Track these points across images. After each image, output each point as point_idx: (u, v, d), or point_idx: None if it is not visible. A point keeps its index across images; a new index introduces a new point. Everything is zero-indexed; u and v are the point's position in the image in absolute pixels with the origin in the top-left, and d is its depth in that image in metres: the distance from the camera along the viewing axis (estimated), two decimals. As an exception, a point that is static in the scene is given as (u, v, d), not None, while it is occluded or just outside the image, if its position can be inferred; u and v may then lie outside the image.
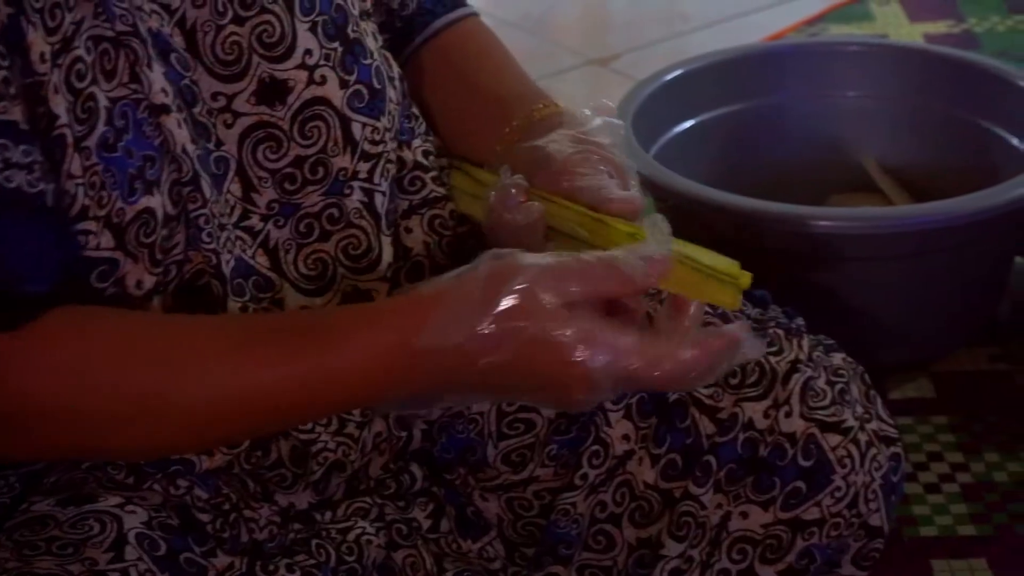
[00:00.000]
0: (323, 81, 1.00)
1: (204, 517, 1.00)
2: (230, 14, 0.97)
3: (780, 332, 1.11)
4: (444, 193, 1.10)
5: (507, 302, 0.88)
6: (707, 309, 1.05)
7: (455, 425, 1.10)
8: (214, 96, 0.98)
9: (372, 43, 1.05)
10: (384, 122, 1.04)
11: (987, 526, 1.50)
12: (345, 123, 1.01)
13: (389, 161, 1.05)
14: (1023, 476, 1.57)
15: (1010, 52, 2.43)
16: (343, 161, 1.02)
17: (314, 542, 1.05)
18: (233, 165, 0.99)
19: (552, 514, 1.10)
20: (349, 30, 1.02)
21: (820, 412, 1.07)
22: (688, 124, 1.86)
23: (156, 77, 0.93)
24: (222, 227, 0.98)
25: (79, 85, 0.90)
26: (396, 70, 1.08)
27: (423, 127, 1.12)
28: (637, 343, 0.90)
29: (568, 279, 0.89)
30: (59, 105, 0.89)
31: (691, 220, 1.54)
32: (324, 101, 1.00)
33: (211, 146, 0.98)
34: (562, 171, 1.02)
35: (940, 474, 1.58)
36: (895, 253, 1.61)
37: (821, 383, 1.09)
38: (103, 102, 0.91)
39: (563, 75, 2.52)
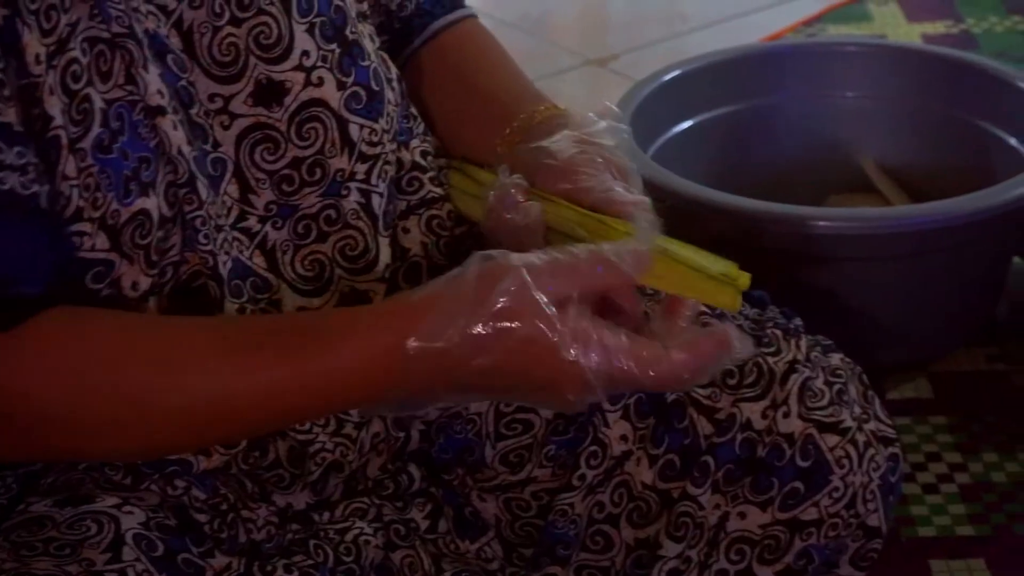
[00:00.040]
0: (320, 83, 1.00)
1: (202, 517, 1.00)
2: (227, 15, 0.97)
3: (778, 332, 1.11)
4: (442, 193, 1.10)
5: (498, 302, 0.89)
6: (705, 309, 1.06)
7: (453, 426, 1.10)
8: (211, 97, 0.98)
9: (370, 45, 1.05)
10: (382, 124, 1.04)
11: (985, 526, 1.51)
12: (342, 125, 1.01)
13: (387, 163, 1.05)
14: (1021, 476, 1.57)
15: (1008, 52, 2.43)
16: (340, 162, 1.02)
17: (312, 542, 1.05)
18: (230, 166, 0.99)
19: (550, 515, 1.10)
20: (347, 32, 1.02)
21: (818, 412, 1.07)
22: (686, 124, 1.86)
23: (152, 79, 0.93)
24: (219, 228, 0.98)
25: (74, 87, 0.90)
26: (394, 71, 1.08)
27: (421, 127, 1.12)
28: (630, 343, 0.90)
29: (558, 275, 0.90)
30: (54, 107, 0.89)
31: (690, 221, 1.54)
32: (321, 103, 1.00)
33: (208, 147, 0.98)
34: (565, 171, 1.02)
35: (938, 474, 1.58)
36: (893, 253, 1.61)
37: (819, 383, 1.09)
38: (98, 103, 0.91)
39: (562, 75, 2.52)
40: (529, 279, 0.89)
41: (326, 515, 1.06)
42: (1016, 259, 1.78)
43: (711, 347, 0.92)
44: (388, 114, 1.05)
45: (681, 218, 1.51)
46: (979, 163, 1.80)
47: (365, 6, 1.08)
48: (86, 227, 0.91)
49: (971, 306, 1.74)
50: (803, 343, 1.11)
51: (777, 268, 1.55)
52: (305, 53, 1.00)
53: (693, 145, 1.85)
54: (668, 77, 1.85)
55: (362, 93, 1.02)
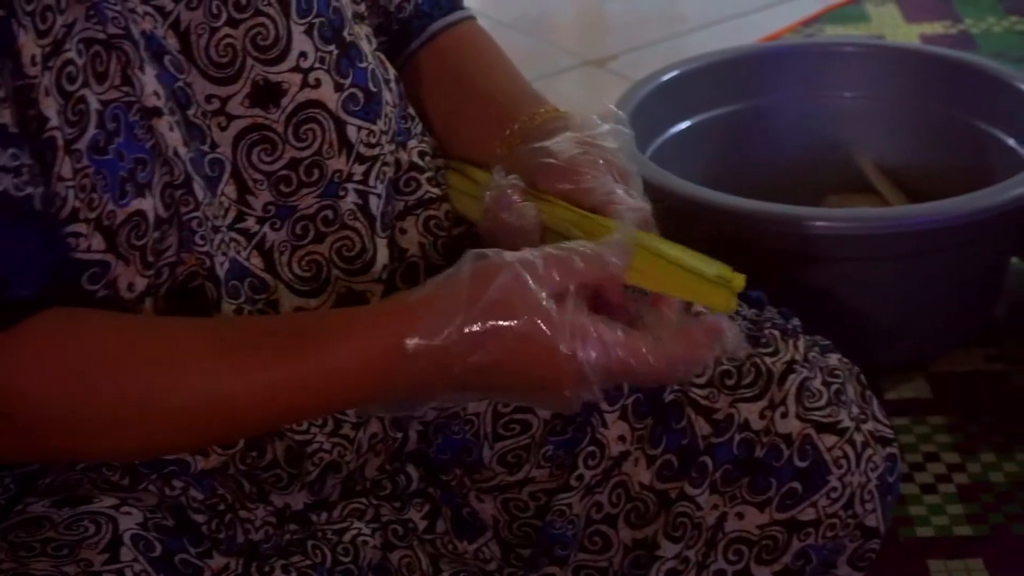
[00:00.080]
0: (317, 84, 1.00)
1: (199, 518, 1.00)
2: (224, 16, 0.97)
3: (776, 333, 1.11)
4: (439, 194, 1.10)
5: (496, 299, 0.89)
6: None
7: (451, 426, 1.10)
8: (208, 99, 0.98)
9: (367, 46, 1.05)
10: (380, 125, 1.04)
11: (983, 526, 1.51)
12: (340, 126, 1.01)
13: (386, 164, 1.05)
14: (1019, 476, 1.57)
15: (1006, 53, 2.43)
16: (338, 163, 1.02)
17: (310, 543, 1.05)
18: (228, 167, 0.99)
19: (548, 515, 1.10)
20: (345, 33, 1.02)
21: (816, 413, 1.07)
22: (685, 125, 1.86)
23: (148, 80, 0.93)
24: (216, 229, 0.98)
25: (70, 88, 0.90)
26: (392, 72, 1.08)
27: (419, 127, 1.12)
28: (625, 337, 0.91)
29: (554, 270, 0.91)
30: (50, 108, 0.89)
31: (688, 221, 1.54)
32: (318, 104, 1.00)
33: (206, 148, 0.98)
34: (567, 171, 1.02)
35: (936, 474, 1.58)
36: (891, 254, 1.61)
37: (817, 384, 1.09)
38: (94, 105, 0.91)
39: (560, 76, 2.52)
40: (526, 275, 0.90)
41: (324, 515, 1.07)
42: (1014, 259, 1.78)
43: (704, 336, 0.93)
44: (386, 115, 1.05)
45: (679, 218, 1.52)
46: (977, 163, 1.80)
47: (362, 7, 1.08)
48: (82, 228, 0.91)
49: (969, 306, 1.74)
50: (801, 343, 1.11)
51: (775, 268, 1.55)
52: (303, 54, 1.00)
53: (691, 145, 1.85)
54: (666, 77, 1.85)
55: (360, 95, 1.02)
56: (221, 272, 0.97)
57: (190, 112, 0.96)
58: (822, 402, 1.08)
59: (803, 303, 1.22)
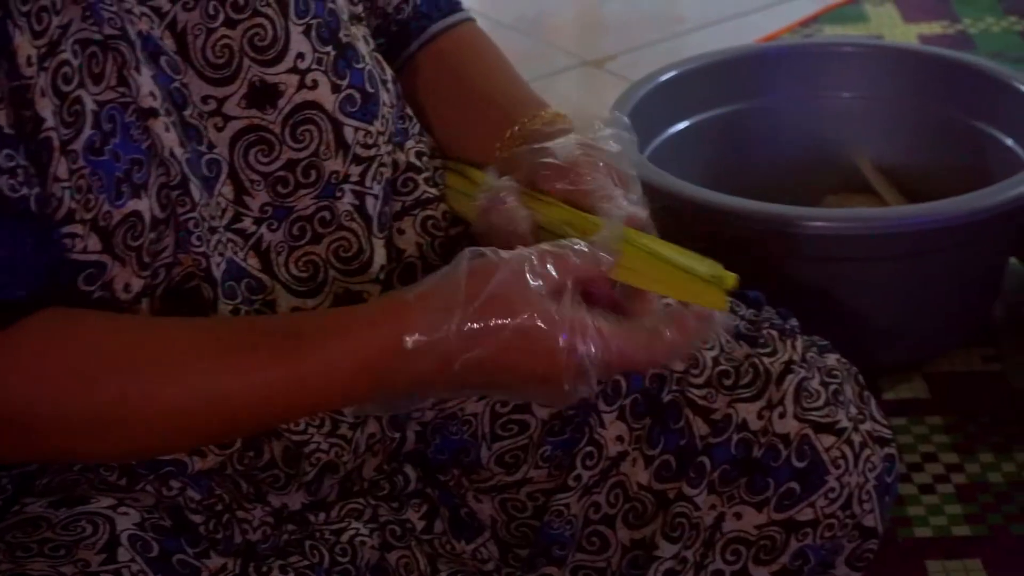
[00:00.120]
0: (314, 85, 1.00)
1: (197, 518, 1.00)
2: (221, 17, 0.97)
3: (774, 333, 1.11)
4: (437, 194, 1.10)
5: (491, 297, 0.90)
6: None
7: (449, 426, 1.10)
8: (204, 99, 0.98)
9: (364, 47, 1.05)
10: (377, 126, 1.04)
11: (982, 526, 1.51)
12: (337, 127, 1.01)
13: (383, 165, 1.05)
14: (1018, 476, 1.57)
15: (1005, 53, 2.43)
16: (335, 164, 1.02)
17: (308, 543, 1.05)
18: (225, 168, 0.99)
19: (546, 515, 1.10)
20: (341, 34, 1.02)
21: (814, 413, 1.07)
22: (683, 125, 1.86)
23: (144, 80, 0.93)
24: (212, 230, 0.98)
25: (66, 88, 0.90)
26: (389, 72, 1.08)
27: (417, 128, 1.12)
28: (620, 328, 0.92)
29: (547, 267, 0.91)
30: (45, 108, 0.89)
31: (686, 221, 1.54)
32: (315, 105, 1.00)
33: (203, 148, 0.98)
34: (567, 171, 1.03)
35: (934, 475, 1.58)
36: (889, 254, 1.61)
37: (815, 384, 1.09)
38: (90, 105, 0.91)
39: (558, 76, 2.52)
40: (523, 271, 0.90)
41: (322, 516, 1.06)
42: (1012, 260, 1.78)
43: (695, 321, 0.94)
44: (383, 116, 1.05)
45: (677, 219, 1.52)
46: (976, 163, 1.80)
47: (360, 9, 1.08)
48: (78, 229, 0.91)
49: (967, 306, 1.74)
50: (799, 343, 1.11)
51: (773, 268, 1.55)
52: (300, 55, 1.00)
53: (689, 146, 1.85)
54: (664, 78, 1.84)
55: (357, 96, 1.02)
56: (218, 273, 0.97)
57: (186, 113, 0.96)
58: (820, 402, 1.08)
59: (801, 303, 1.22)
